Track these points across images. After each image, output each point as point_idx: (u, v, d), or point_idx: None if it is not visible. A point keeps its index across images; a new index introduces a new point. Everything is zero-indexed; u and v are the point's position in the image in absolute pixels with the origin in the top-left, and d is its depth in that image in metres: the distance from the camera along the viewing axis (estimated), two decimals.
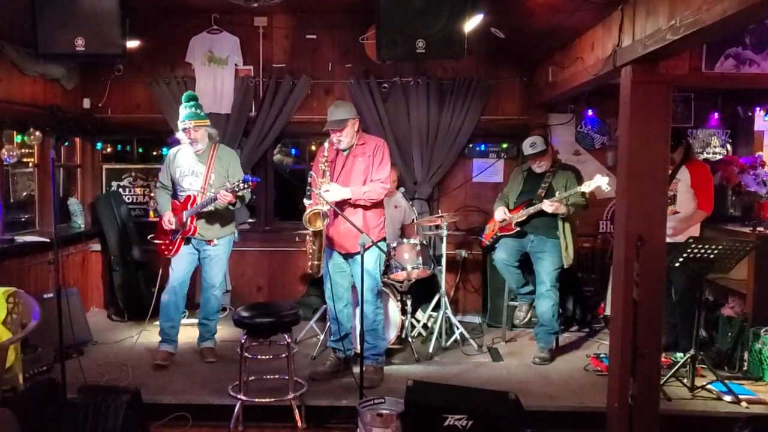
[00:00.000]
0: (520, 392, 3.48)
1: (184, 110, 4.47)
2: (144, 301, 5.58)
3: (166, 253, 4.61)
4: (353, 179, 4.18)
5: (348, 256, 4.26)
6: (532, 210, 4.65)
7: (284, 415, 3.72)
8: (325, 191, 4.00)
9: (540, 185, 4.75)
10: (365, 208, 4.19)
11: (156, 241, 4.71)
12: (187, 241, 4.55)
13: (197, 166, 4.54)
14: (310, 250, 4.19)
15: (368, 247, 4.03)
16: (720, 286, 4.99)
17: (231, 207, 4.43)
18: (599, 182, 4.37)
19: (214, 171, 4.53)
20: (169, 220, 4.50)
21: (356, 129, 4.21)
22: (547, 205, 4.52)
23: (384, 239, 4.38)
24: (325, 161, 4.13)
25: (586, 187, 4.45)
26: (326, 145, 4.21)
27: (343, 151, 4.23)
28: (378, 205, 4.28)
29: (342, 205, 4.09)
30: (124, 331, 5.39)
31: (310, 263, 4.23)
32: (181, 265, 4.59)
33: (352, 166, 4.20)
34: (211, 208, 4.43)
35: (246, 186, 4.25)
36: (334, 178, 4.19)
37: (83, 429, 3.36)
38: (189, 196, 4.49)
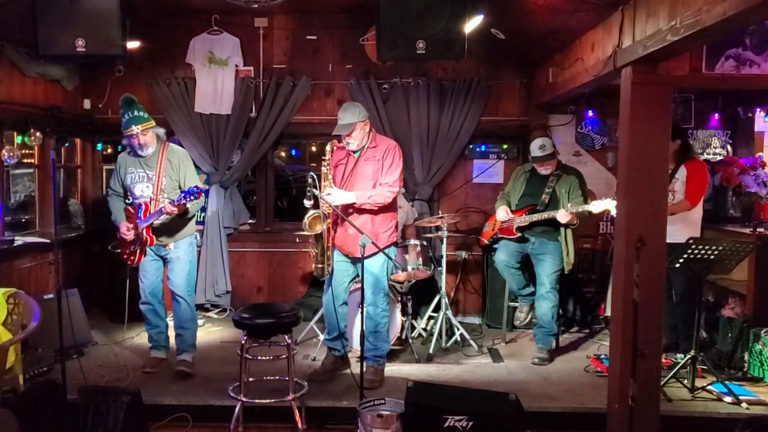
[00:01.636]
0: (521, 393, 3.47)
1: (127, 116, 4.19)
2: None
3: (129, 263, 4.43)
4: (361, 182, 4.11)
5: (355, 260, 4.20)
6: (536, 217, 4.64)
7: (284, 416, 3.71)
8: (327, 194, 3.96)
9: (543, 190, 4.73)
10: (374, 212, 4.12)
11: (117, 251, 4.55)
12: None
13: (147, 171, 4.27)
14: (313, 253, 4.17)
15: (370, 255, 3.98)
16: (720, 287, 4.99)
17: (180, 216, 4.23)
18: (608, 206, 4.32)
19: (165, 175, 4.25)
20: (127, 228, 4.28)
21: (367, 130, 4.14)
22: (563, 215, 4.48)
23: (396, 243, 4.32)
24: (327, 164, 4.08)
25: (594, 207, 4.43)
26: (328, 147, 4.18)
27: (355, 152, 4.17)
28: (388, 208, 4.18)
29: (347, 209, 4.05)
30: (125, 332, 5.38)
31: (315, 266, 4.21)
32: (146, 273, 4.42)
33: (361, 168, 4.13)
34: (163, 219, 4.21)
35: (192, 198, 3.99)
36: (343, 179, 4.15)
37: (83, 430, 3.36)
38: (140, 205, 4.24)
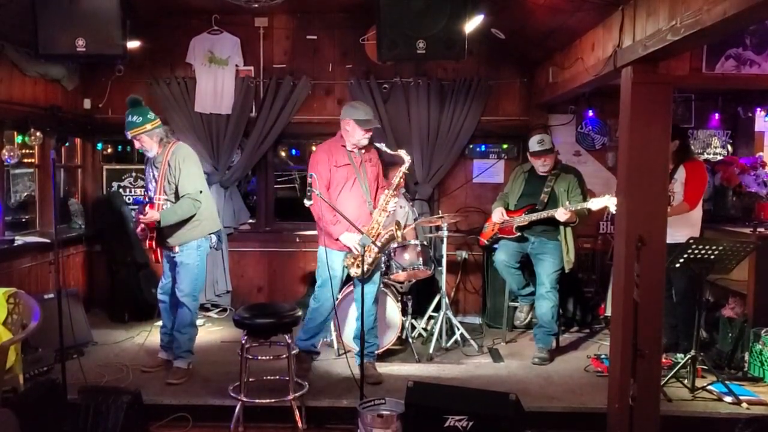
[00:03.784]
0: (521, 393, 3.47)
1: (126, 120, 4.16)
2: (144, 302, 5.60)
3: (154, 258, 4.40)
4: (370, 186, 4.27)
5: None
6: (535, 217, 4.64)
7: (285, 416, 3.71)
8: (395, 206, 4.16)
9: (542, 189, 4.73)
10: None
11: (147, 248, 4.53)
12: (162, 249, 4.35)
13: (154, 171, 4.28)
14: (370, 259, 4.09)
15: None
16: (720, 287, 4.99)
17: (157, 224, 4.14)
18: (607, 203, 4.32)
19: (165, 179, 4.20)
20: (141, 230, 4.27)
21: None
22: (562, 214, 4.48)
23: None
24: (400, 176, 4.20)
25: (593, 204, 4.43)
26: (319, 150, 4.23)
27: (357, 153, 4.21)
28: None
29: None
30: (125, 332, 5.38)
31: (364, 268, 3.99)
32: (164, 273, 4.45)
33: (367, 172, 4.25)
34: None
35: (141, 209, 4.04)
36: (361, 185, 4.20)
37: (83, 430, 3.36)
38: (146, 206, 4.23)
